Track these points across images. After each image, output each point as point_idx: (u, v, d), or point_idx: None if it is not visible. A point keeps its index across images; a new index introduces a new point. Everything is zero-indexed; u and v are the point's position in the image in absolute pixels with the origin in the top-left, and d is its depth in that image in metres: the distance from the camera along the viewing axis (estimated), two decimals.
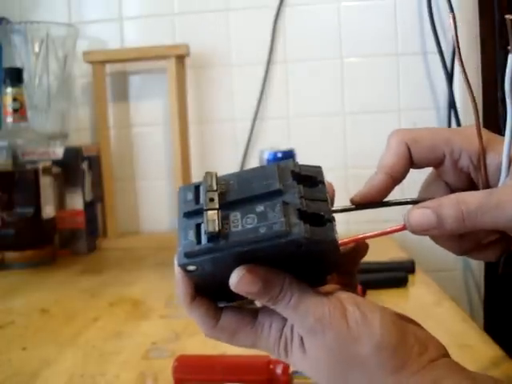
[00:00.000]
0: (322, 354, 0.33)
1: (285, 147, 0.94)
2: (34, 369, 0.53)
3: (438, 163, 0.38)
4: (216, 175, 0.34)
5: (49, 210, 0.99)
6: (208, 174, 0.34)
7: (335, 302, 0.33)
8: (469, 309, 1.11)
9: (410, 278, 0.75)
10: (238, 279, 0.32)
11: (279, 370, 0.46)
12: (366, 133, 1.13)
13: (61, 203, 1.06)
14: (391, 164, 0.37)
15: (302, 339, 0.34)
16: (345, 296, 0.33)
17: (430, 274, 0.81)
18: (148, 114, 1.19)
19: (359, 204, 0.37)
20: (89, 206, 1.08)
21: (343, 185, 1.10)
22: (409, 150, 0.37)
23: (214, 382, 0.47)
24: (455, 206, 0.33)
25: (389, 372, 0.32)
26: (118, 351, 0.57)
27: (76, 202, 1.06)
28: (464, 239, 0.38)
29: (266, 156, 0.92)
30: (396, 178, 0.37)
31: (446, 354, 0.33)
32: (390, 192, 0.37)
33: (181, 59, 1.12)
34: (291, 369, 0.46)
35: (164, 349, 0.57)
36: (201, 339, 0.60)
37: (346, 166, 1.11)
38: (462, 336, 0.55)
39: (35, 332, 0.65)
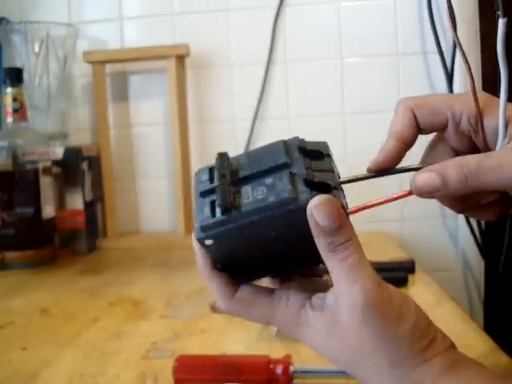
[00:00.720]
0: (357, 330, 0.33)
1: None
2: (34, 369, 0.53)
3: (441, 127, 0.39)
4: (227, 155, 0.36)
5: (49, 210, 0.99)
6: (220, 155, 0.36)
7: (382, 281, 0.33)
8: (469, 309, 1.11)
9: (410, 278, 0.75)
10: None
11: (279, 370, 0.46)
12: (365, 133, 1.13)
13: (61, 203, 1.06)
14: (400, 130, 0.39)
15: (332, 313, 0.34)
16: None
17: (430, 274, 0.81)
18: (148, 114, 1.19)
19: (376, 172, 0.38)
20: (89, 206, 1.08)
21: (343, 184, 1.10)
22: (414, 115, 0.39)
23: (214, 382, 0.47)
24: (458, 167, 0.34)
25: (419, 350, 0.33)
26: (118, 351, 0.57)
27: (76, 202, 1.06)
28: (464, 199, 0.39)
29: None
30: (406, 143, 0.39)
31: (455, 347, 0.35)
32: (402, 157, 0.39)
33: (181, 59, 1.12)
34: (291, 369, 0.46)
35: (164, 349, 0.57)
36: (201, 339, 0.60)
37: (346, 166, 1.11)
38: (462, 336, 0.55)
39: (35, 332, 0.65)
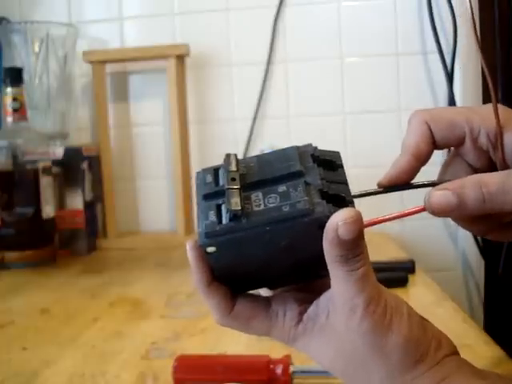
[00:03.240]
0: (351, 337, 0.32)
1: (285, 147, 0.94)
2: (34, 369, 0.53)
3: (458, 142, 0.37)
4: (236, 157, 0.34)
5: (49, 210, 0.99)
6: (228, 156, 0.34)
7: (381, 290, 0.32)
8: (469, 309, 1.11)
9: (410, 278, 0.75)
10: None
11: (279, 370, 0.46)
12: (365, 133, 1.13)
13: (61, 203, 1.06)
14: (415, 144, 0.37)
15: (329, 319, 0.33)
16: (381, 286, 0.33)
17: (430, 274, 0.81)
18: (148, 114, 1.19)
19: (387, 187, 0.37)
20: (89, 206, 1.08)
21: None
22: (430, 129, 0.37)
23: (214, 382, 0.47)
24: (476, 187, 0.33)
25: (409, 364, 0.32)
26: (118, 351, 0.57)
27: (76, 202, 1.06)
28: (484, 220, 0.37)
29: None
30: (421, 159, 0.37)
31: (456, 352, 0.34)
32: (416, 173, 0.37)
33: (181, 59, 1.12)
34: (291, 369, 0.46)
35: (164, 349, 0.57)
36: (201, 339, 0.60)
37: (346, 167, 1.09)
38: (462, 336, 0.55)
39: (35, 332, 0.65)
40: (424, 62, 1.11)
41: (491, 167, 0.37)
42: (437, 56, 1.07)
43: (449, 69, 1.07)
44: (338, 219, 0.31)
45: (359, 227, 0.31)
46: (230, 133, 1.16)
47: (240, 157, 0.35)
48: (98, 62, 1.12)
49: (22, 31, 1.08)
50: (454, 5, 1.04)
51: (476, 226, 0.39)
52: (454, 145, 0.38)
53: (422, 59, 1.11)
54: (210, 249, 0.31)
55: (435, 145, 0.38)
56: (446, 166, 0.40)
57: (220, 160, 0.35)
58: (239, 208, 0.31)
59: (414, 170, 0.37)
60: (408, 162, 0.37)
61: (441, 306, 0.67)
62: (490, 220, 0.38)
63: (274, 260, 0.34)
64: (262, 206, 0.31)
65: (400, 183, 0.37)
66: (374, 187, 0.38)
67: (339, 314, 0.32)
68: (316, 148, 0.35)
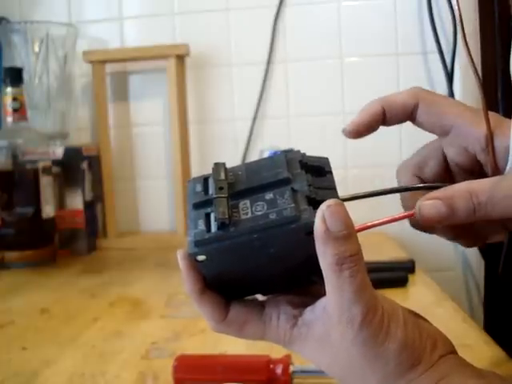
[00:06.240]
0: (348, 346, 0.32)
1: (285, 147, 0.94)
2: (34, 369, 0.53)
3: (442, 133, 0.38)
4: (225, 166, 0.34)
5: (49, 210, 0.99)
6: (217, 165, 0.34)
7: (377, 296, 0.32)
8: (469, 309, 1.11)
9: (410, 278, 0.75)
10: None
11: (279, 370, 0.46)
12: None
13: (61, 203, 1.06)
14: (389, 98, 0.38)
15: (325, 328, 0.33)
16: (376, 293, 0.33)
17: (430, 274, 0.81)
18: (148, 114, 1.19)
19: (352, 134, 0.39)
20: (89, 206, 1.08)
21: (343, 185, 1.10)
22: (417, 103, 0.38)
23: (214, 382, 0.47)
24: (467, 197, 0.33)
25: (405, 368, 0.32)
26: (118, 351, 0.57)
27: (76, 201, 1.06)
28: (457, 228, 0.38)
29: (265, 156, 0.92)
30: (388, 109, 0.38)
31: (453, 351, 0.34)
32: (378, 123, 0.39)
33: (181, 59, 1.12)
34: (291, 369, 0.46)
35: (164, 349, 0.57)
36: (201, 339, 0.60)
37: (346, 166, 1.11)
38: (462, 336, 0.55)
39: (35, 332, 0.65)
40: (424, 62, 1.11)
41: (469, 166, 0.38)
42: (437, 56, 1.08)
43: (449, 69, 1.07)
44: (322, 208, 0.30)
45: (346, 215, 0.30)
46: (230, 133, 1.16)
47: (239, 157, 0.35)
48: (98, 61, 1.12)
49: (22, 31, 1.08)
50: (453, 5, 1.04)
51: (446, 232, 0.39)
52: (437, 133, 0.39)
53: (422, 59, 1.11)
54: (200, 257, 0.32)
55: (415, 120, 0.39)
56: (422, 147, 0.41)
57: (219, 160, 0.35)
58: (226, 216, 0.31)
59: (377, 117, 0.39)
60: (374, 108, 0.38)
61: (441, 305, 0.67)
62: (465, 229, 0.38)
63: (264, 267, 0.34)
64: (250, 214, 0.31)
65: (364, 128, 0.39)
66: (372, 187, 0.38)
67: (335, 324, 0.32)
68: (304, 154, 0.35)
